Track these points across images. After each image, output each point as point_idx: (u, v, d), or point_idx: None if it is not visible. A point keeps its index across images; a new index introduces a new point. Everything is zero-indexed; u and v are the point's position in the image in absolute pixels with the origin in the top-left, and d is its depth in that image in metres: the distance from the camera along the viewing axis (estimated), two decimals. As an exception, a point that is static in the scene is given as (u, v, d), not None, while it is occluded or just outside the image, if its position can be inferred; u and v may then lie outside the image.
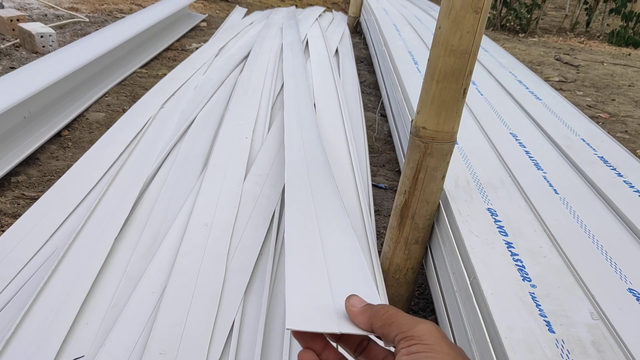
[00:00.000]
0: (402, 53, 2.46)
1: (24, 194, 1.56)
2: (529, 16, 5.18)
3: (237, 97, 2.11)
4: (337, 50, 3.20)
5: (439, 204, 1.19)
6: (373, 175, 1.94)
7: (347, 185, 1.61)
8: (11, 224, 1.36)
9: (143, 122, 1.93)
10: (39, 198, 1.43)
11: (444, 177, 1.16)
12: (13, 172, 1.65)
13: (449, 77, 1.05)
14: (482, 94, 1.96)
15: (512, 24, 5.35)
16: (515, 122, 1.70)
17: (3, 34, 3.00)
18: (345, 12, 5.27)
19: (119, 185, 1.50)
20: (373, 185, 1.83)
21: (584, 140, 1.57)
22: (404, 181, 1.17)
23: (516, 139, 1.56)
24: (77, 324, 1.02)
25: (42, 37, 2.78)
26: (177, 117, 2.01)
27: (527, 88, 2.08)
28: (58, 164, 1.75)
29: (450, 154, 1.14)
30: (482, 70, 2.31)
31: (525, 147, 1.51)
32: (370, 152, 2.06)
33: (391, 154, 2.14)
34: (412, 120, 1.15)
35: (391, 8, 3.89)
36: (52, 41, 2.82)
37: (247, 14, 4.60)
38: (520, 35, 5.13)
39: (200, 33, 3.76)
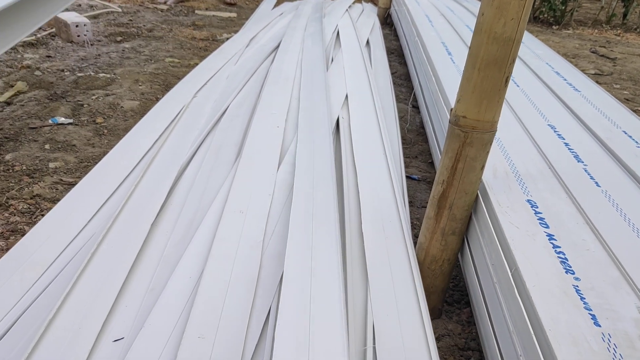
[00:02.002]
0: (435, 44, 2.43)
1: (62, 180, 1.59)
2: (563, 8, 5.06)
3: (269, 87, 2.11)
4: (367, 42, 3.18)
5: (477, 195, 1.17)
6: (406, 166, 1.92)
7: (381, 176, 1.60)
8: (50, 208, 1.39)
9: (176, 111, 1.94)
10: (76, 184, 1.46)
11: (483, 167, 1.14)
12: (51, 159, 1.68)
13: (491, 65, 1.03)
14: (518, 85, 1.92)
15: (545, 15, 5.24)
16: (553, 114, 1.66)
17: (39, 23, 3.05)
18: (375, 4, 5.22)
19: (154, 173, 1.52)
20: (406, 177, 1.81)
21: (625, 133, 1.52)
22: (442, 171, 1.15)
23: (554, 131, 1.53)
24: (117, 307, 1.04)
25: (77, 26, 2.82)
26: (210, 106, 2.02)
27: (565, 79, 2.03)
28: (94, 150, 1.77)
29: (490, 144, 1.12)
30: (517, 61, 2.27)
31: (564, 138, 1.48)
32: (402, 144, 2.04)
33: (424, 146, 2.12)
34: (451, 109, 1.13)
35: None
36: (87, 30, 2.86)
37: (276, 5, 4.60)
38: (554, 27, 5.02)
39: (230, 24, 3.77)
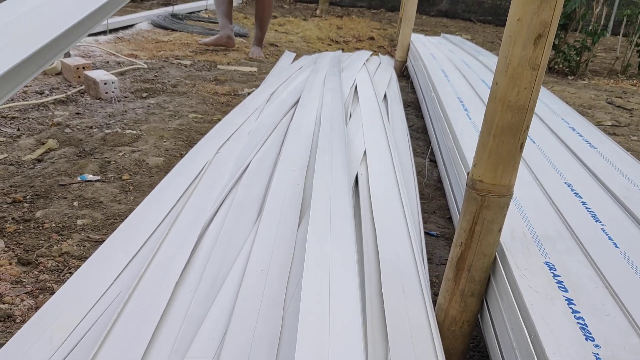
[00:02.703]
0: (451, 99, 2.49)
1: (89, 237, 1.64)
2: (578, 59, 5.14)
3: (288, 143, 2.17)
4: (385, 95, 3.26)
5: (495, 257, 1.19)
6: (424, 222, 1.95)
7: (400, 234, 1.62)
8: (78, 266, 1.43)
9: (200, 167, 2.01)
10: (103, 241, 1.50)
11: (500, 229, 1.16)
12: (79, 216, 1.74)
13: (506, 132, 1.06)
14: (534, 142, 1.95)
15: (560, 66, 5.32)
16: (569, 171, 1.68)
17: (69, 80, 3.19)
18: (392, 56, 5.36)
19: (178, 230, 1.56)
20: (425, 233, 1.83)
21: (643, 191, 1.54)
22: (460, 233, 1.18)
23: (571, 189, 1.55)
24: (142, 368, 1.06)
25: (105, 84, 2.94)
26: (232, 162, 2.08)
27: (581, 135, 2.06)
28: (120, 207, 1.83)
29: (507, 207, 1.14)
30: (533, 117, 2.31)
31: (581, 197, 1.50)
32: (420, 198, 2.07)
33: (442, 201, 2.14)
34: (467, 173, 1.16)
35: (438, 53, 3.95)
36: (115, 87, 2.98)
37: (295, 58, 4.74)
38: (569, 77, 5.08)
39: (251, 78, 3.90)
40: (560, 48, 5.15)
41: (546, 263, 1.15)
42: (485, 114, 1.09)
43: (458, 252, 1.18)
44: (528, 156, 1.80)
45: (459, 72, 3.19)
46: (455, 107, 2.34)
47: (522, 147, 1.08)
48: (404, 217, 1.71)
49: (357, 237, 1.55)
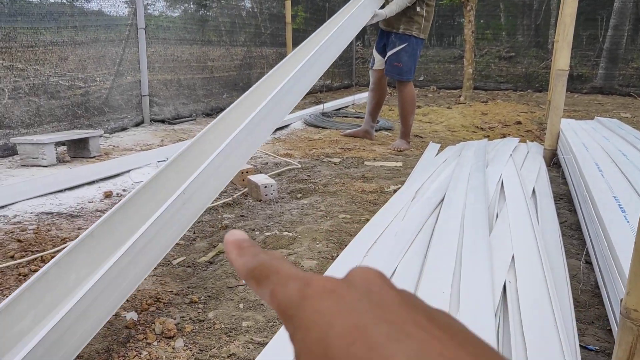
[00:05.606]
0: (606, 198, 2.39)
1: (252, 339, 1.82)
2: None
3: (434, 249, 2.23)
4: (533, 190, 3.19)
5: (658, 391, 1.12)
6: (581, 334, 1.85)
7: (551, 345, 1.57)
8: (244, 368, 1.60)
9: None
10: (265, 343, 1.66)
11: (662, 361, 1.11)
12: (244, 317, 1.94)
13: (659, 262, 1.04)
14: None
15: None
16: None
17: (235, 184, 3.60)
18: (541, 141, 5.22)
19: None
20: (581, 346, 1.74)
21: None
22: (616, 363, 1.14)
23: None
24: None
25: (265, 187, 3.28)
26: (380, 266, 2.18)
27: None
28: (279, 310, 2.00)
29: (668, 339, 1.09)
30: None
31: None
32: (575, 307, 1.98)
33: (600, 310, 2.02)
34: (621, 300, 1.14)
35: (591, 142, 3.79)
36: (273, 190, 3.30)
37: (440, 149, 4.84)
38: None
39: (397, 174, 4.05)
40: None
41: None
42: (635, 242, 1.09)
43: (615, 384, 1.14)
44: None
45: (614, 165, 3.04)
46: (610, 208, 2.24)
47: (679, 277, 1.05)
48: (555, 327, 1.66)
49: (505, 353, 1.54)
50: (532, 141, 5.13)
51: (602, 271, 1.99)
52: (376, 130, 5.65)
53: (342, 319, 0.21)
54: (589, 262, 2.42)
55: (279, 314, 0.24)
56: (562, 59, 4.11)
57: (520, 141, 4.83)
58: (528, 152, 4.37)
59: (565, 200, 3.39)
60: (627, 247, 1.83)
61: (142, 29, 5.87)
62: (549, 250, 2.28)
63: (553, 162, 4.30)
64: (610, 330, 1.88)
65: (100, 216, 2.53)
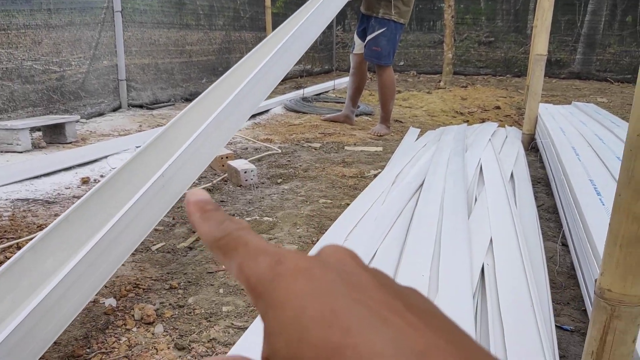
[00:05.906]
0: (582, 182, 2.42)
1: (232, 324, 1.82)
2: None
3: (413, 233, 2.24)
4: (512, 174, 3.22)
5: (631, 368, 1.15)
6: (557, 314, 1.89)
7: (527, 326, 1.60)
8: (224, 352, 1.59)
9: (330, 256, 2.14)
10: (246, 328, 1.66)
11: (635, 339, 1.13)
12: (224, 302, 1.93)
13: (633, 243, 1.06)
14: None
15: None
16: None
17: (215, 169, 3.57)
18: (519, 125, 5.27)
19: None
20: (556, 327, 1.78)
21: None
22: (591, 342, 1.16)
23: None
24: None
25: (245, 172, 3.26)
26: (360, 250, 2.19)
27: None
28: (259, 295, 2.00)
29: (641, 318, 1.11)
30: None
31: None
32: (551, 288, 2.01)
33: (576, 290, 2.06)
34: (595, 280, 1.16)
35: (568, 126, 3.84)
36: (253, 175, 3.29)
37: (420, 134, 4.86)
38: None
39: (377, 158, 4.06)
40: None
41: (690, 379, 1.09)
42: (609, 224, 1.10)
43: (589, 362, 1.16)
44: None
45: (591, 149, 3.08)
46: (586, 191, 2.28)
47: (652, 257, 1.07)
48: (532, 308, 1.69)
49: (483, 333, 1.56)
50: (511, 126, 5.18)
51: (578, 253, 2.02)
52: (357, 115, 5.64)
53: (317, 302, 0.21)
54: (565, 245, 2.47)
55: (247, 289, 0.23)
56: (540, 44, 4.13)
57: (499, 126, 4.87)
58: (507, 136, 4.41)
59: (542, 184, 3.43)
60: (602, 230, 1.86)
61: (118, 12, 5.75)
62: (526, 233, 2.30)
63: (531, 146, 4.34)
64: (585, 311, 1.92)
65: (77, 202, 2.49)
